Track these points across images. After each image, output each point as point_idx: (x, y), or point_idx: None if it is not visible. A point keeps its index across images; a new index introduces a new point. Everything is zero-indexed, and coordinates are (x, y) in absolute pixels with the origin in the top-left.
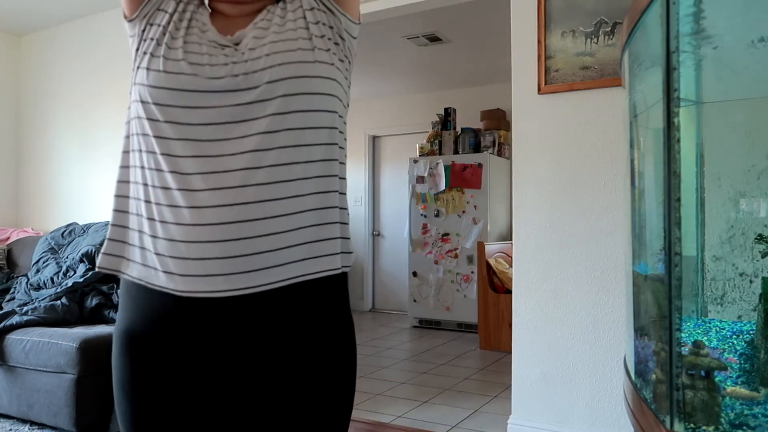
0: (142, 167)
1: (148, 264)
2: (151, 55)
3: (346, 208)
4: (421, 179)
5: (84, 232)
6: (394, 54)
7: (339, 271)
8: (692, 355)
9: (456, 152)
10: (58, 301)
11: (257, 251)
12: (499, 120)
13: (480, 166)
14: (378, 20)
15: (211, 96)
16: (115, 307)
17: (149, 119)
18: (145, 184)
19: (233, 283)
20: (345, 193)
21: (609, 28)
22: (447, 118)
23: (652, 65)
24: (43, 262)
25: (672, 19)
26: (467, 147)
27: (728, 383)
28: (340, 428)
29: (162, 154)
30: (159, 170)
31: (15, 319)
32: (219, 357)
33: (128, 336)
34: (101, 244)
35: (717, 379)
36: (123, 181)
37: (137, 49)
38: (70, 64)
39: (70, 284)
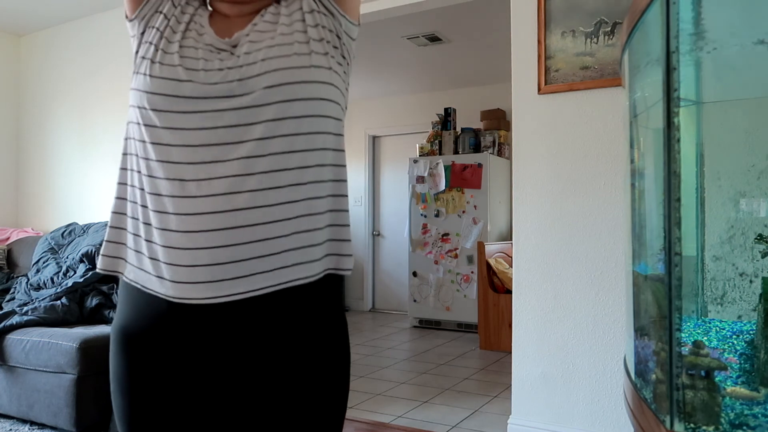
0: (139, 171)
1: (143, 268)
2: (150, 61)
3: (345, 210)
4: (421, 179)
5: (84, 232)
6: (395, 54)
7: (322, 275)
8: (692, 355)
9: (456, 152)
10: (58, 301)
11: (245, 258)
12: (499, 120)
13: (480, 166)
14: (378, 20)
15: (206, 102)
16: (114, 307)
17: (145, 125)
18: (142, 189)
19: (220, 290)
20: (345, 195)
21: (609, 28)
22: (447, 118)
23: (652, 65)
24: (43, 262)
25: (672, 19)
26: (467, 147)
27: (728, 383)
28: (333, 428)
29: (157, 160)
30: (152, 176)
31: (15, 319)
32: (212, 357)
33: (125, 333)
34: (101, 245)
35: (717, 379)
36: (122, 183)
37: (136, 52)
38: (69, 64)
39: (70, 284)
